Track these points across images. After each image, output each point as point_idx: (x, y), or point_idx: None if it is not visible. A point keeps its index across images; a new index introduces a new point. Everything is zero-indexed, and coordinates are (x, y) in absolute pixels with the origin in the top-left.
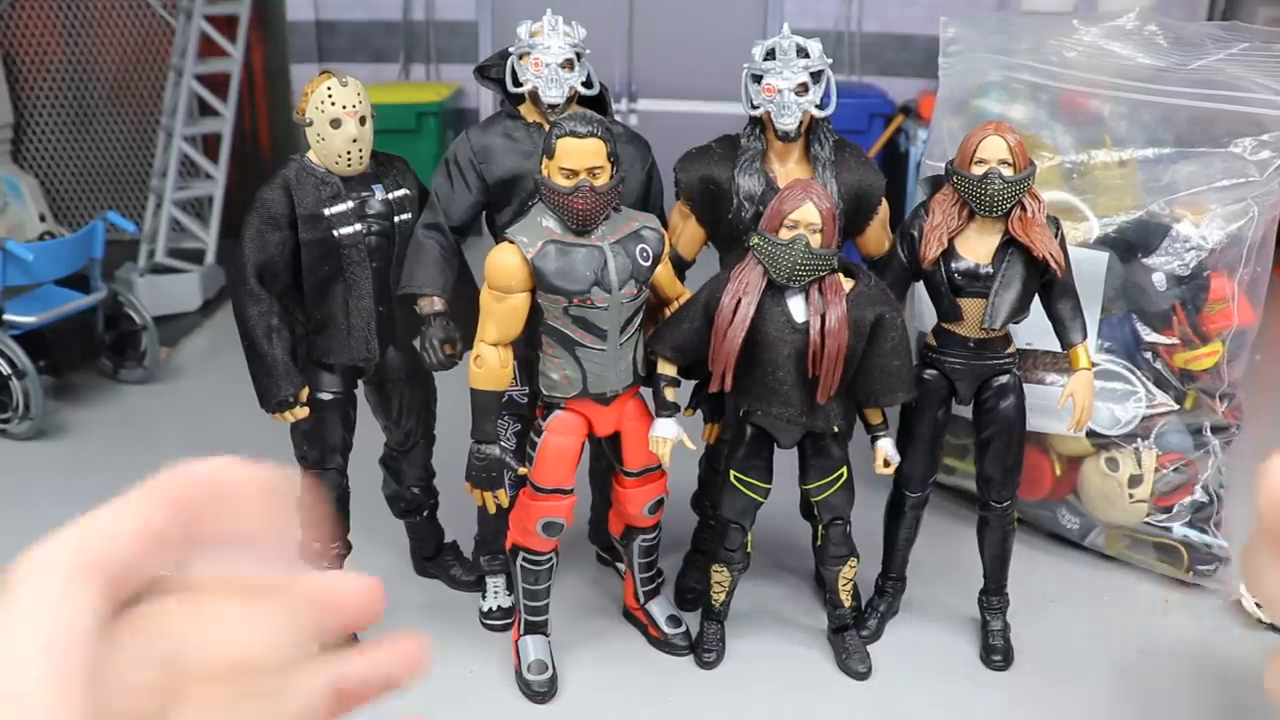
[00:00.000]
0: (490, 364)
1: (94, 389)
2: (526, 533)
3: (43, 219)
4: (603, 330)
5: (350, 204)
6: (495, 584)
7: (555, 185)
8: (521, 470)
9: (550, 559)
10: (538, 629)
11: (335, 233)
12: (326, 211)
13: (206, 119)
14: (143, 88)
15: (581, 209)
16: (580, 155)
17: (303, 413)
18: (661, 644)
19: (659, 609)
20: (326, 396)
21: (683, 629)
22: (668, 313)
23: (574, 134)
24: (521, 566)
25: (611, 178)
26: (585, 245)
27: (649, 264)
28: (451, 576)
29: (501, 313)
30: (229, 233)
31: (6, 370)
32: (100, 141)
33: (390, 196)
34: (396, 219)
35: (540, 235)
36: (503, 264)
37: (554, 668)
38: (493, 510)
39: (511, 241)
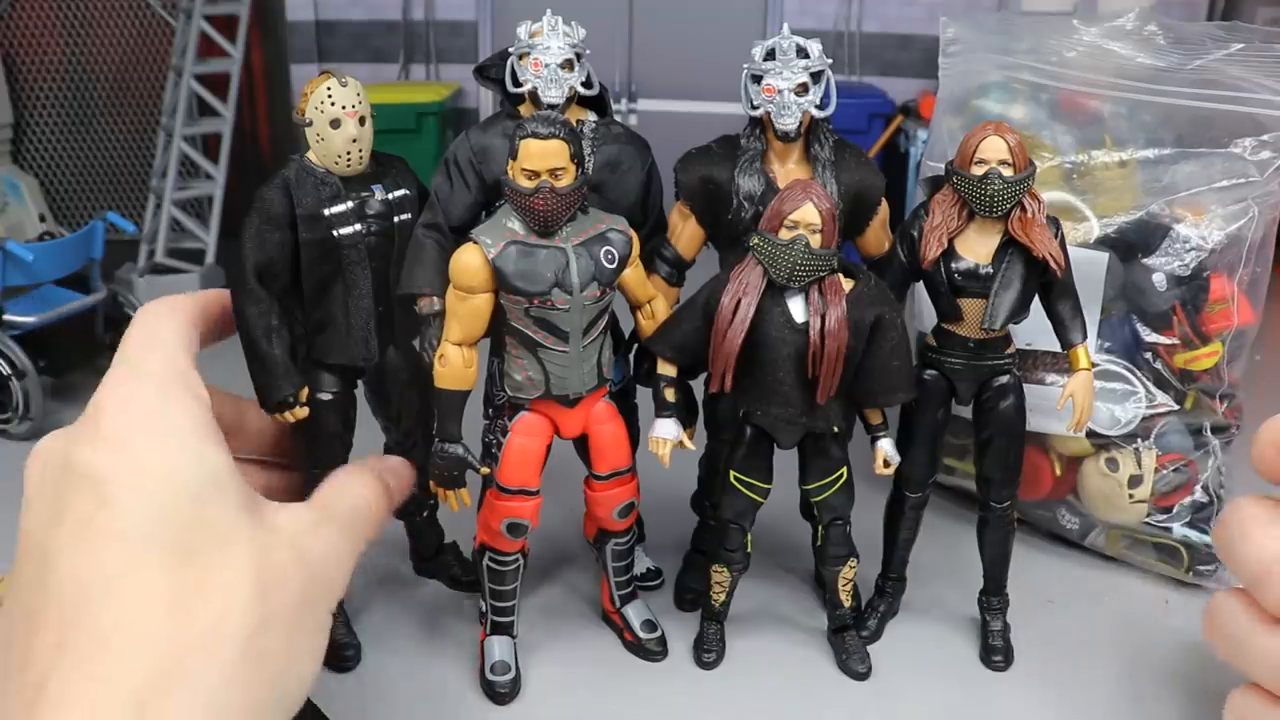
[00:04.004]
0: (454, 364)
1: (94, 389)
2: (492, 533)
3: (43, 219)
4: (565, 332)
5: (350, 204)
6: None
7: (517, 186)
8: (484, 470)
9: (516, 560)
10: (504, 630)
11: (335, 233)
12: (326, 211)
13: (206, 119)
14: (143, 88)
15: (542, 210)
16: (542, 156)
17: (302, 412)
18: (636, 648)
19: (635, 613)
20: (326, 397)
21: (657, 634)
22: (640, 316)
23: (535, 135)
24: (487, 566)
25: (575, 179)
26: (547, 247)
27: (613, 266)
28: (452, 577)
29: (465, 313)
30: (229, 233)
31: (6, 370)
32: (100, 141)
33: (390, 197)
34: (396, 219)
35: (503, 236)
36: (465, 264)
37: (517, 669)
38: (455, 509)
39: (475, 242)
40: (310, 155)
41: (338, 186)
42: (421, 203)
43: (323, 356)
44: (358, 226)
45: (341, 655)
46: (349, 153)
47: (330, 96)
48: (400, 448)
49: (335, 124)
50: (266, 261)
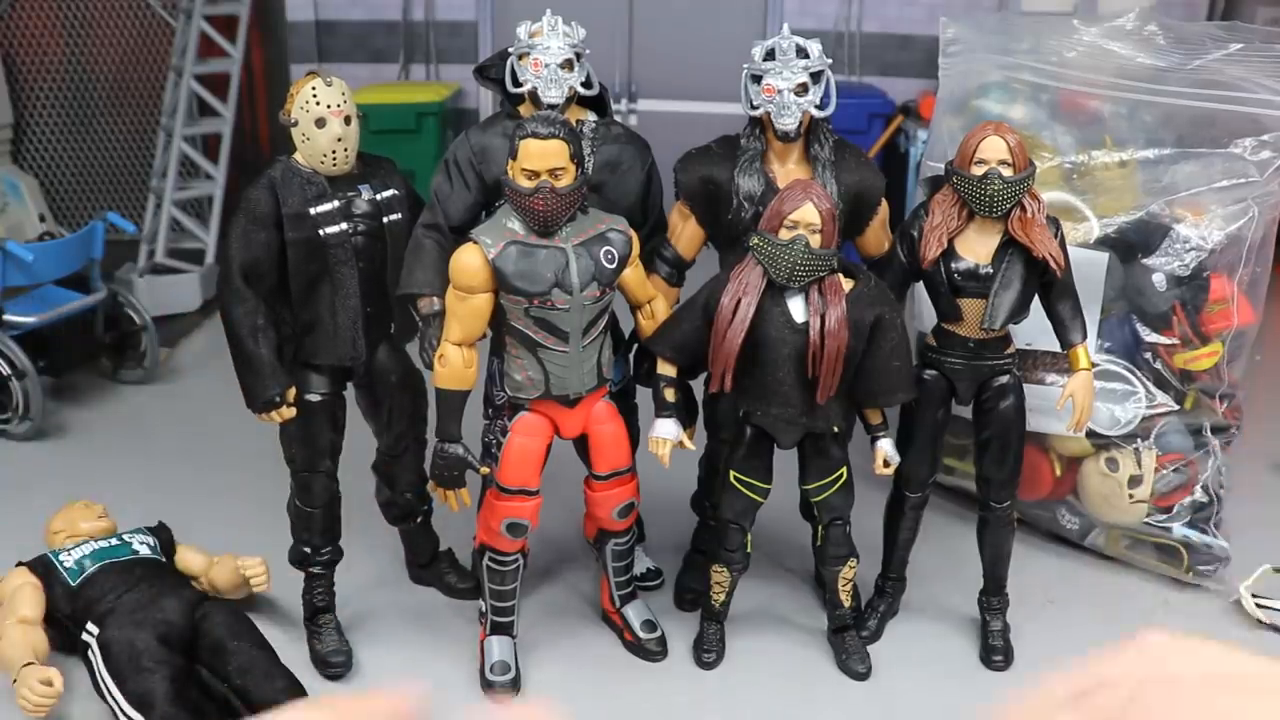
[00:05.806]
0: (454, 364)
1: (94, 389)
2: (491, 533)
3: (43, 219)
4: (564, 332)
5: (336, 203)
6: None
7: (517, 186)
8: (484, 470)
9: (516, 560)
10: (504, 630)
11: (320, 232)
12: (312, 210)
13: (206, 119)
14: (143, 88)
15: (541, 210)
16: (542, 156)
17: (289, 413)
18: (636, 648)
19: (634, 613)
20: (315, 398)
21: (657, 634)
22: (640, 316)
23: (535, 135)
24: (488, 566)
25: (575, 179)
26: (547, 247)
27: (613, 266)
28: (447, 584)
29: (465, 313)
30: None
31: (6, 370)
32: (100, 141)
33: (378, 197)
34: (385, 219)
35: (503, 236)
36: (465, 264)
37: (517, 669)
38: (455, 509)
39: (475, 242)
40: (297, 155)
41: (324, 186)
42: (409, 203)
43: (310, 357)
44: (344, 226)
45: (330, 663)
46: (334, 152)
47: (315, 96)
48: (390, 453)
49: (320, 123)
50: (252, 261)
